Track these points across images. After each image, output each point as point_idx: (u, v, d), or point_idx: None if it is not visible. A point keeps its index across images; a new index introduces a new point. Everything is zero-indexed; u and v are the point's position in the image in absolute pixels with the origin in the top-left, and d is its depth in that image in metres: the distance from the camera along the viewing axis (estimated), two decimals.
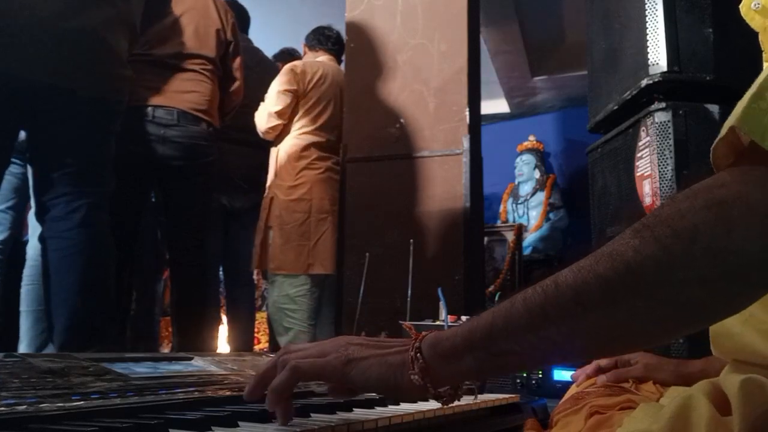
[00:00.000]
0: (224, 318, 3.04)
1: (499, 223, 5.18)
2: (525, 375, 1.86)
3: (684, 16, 1.58)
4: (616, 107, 1.76)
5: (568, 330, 0.48)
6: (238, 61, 2.59)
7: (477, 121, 2.50)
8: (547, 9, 4.31)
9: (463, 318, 1.52)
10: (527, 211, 5.27)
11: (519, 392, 1.69)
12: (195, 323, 2.42)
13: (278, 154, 2.70)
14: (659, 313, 0.46)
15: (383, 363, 0.58)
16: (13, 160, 1.99)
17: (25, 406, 0.57)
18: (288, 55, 3.27)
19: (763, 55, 0.66)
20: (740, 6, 0.67)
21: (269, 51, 3.28)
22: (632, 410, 0.61)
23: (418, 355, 0.56)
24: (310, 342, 0.71)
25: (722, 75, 1.55)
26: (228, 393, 0.77)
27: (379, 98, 2.50)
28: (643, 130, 1.61)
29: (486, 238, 4.28)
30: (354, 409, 0.74)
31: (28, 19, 1.67)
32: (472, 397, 0.94)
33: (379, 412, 0.74)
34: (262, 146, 2.82)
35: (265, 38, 3.32)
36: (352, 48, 2.61)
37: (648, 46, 1.58)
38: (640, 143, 1.62)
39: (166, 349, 3.01)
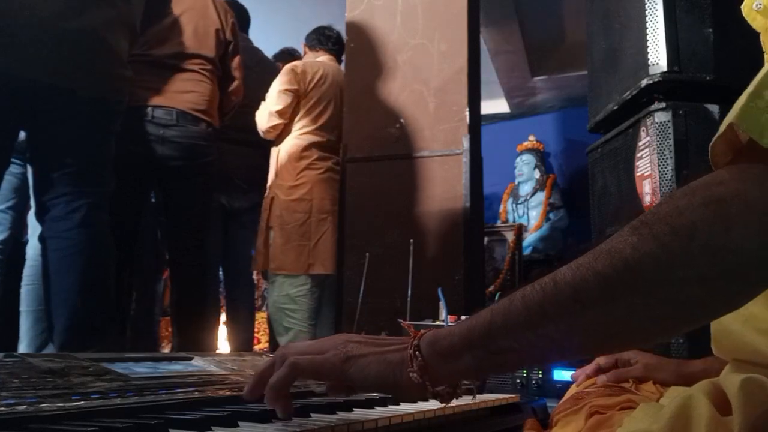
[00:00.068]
0: (224, 318, 3.04)
1: (499, 223, 5.18)
2: (525, 375, 1.86)
3: (684, 16, 1.58)
4: (616, 107, 1.76)
5: (566, 327, 0.48)
6: (236, 60, 2.59)
7: (477, 121, 2.50)
8: (547, 9, 4.31)
9: (463, 318, 1.52)
10: (527, 211, 5.27)
11: (519, 392, 1.69)
12: (195, 323, 2.42)
13: (279, 154, 2.70)
14: (657, 311, 0.46)
15: (382, 361, 0.58)
16: (13, 160, 1.99)
17: (25, 406, 0.57)
18: (288, 54, 3.27)
19: (765, 55, 0.66)
20: (742, 6, 0.67)
21: (269, 51, 3.28)
22: (632, 410, 0.61)
23: (417, 353, 0.56)
24: None
25: (722, 75, 1.55)
26: (228, 393, 0.77)
27: (379, 98, 2.50)
28: (643, 130, 1.61)
29: (486, 238, 4.28)
30: (354, 409, 0.74)
31: (28, 19, 1.67)
32: (471, 396, 0.94)
33: (379, 412, 0.74)
34: (262, 146, 2.82)
35: (265, 38, 3.32)
36: (352, 48, 2.61)
37: (648, 46, 1.58)
38: (640, 143, 1.62)
39: (166, 349, 3.01)
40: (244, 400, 0.64)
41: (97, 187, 1.83)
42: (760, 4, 0.65)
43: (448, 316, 1.62)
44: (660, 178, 1.53)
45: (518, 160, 5.49)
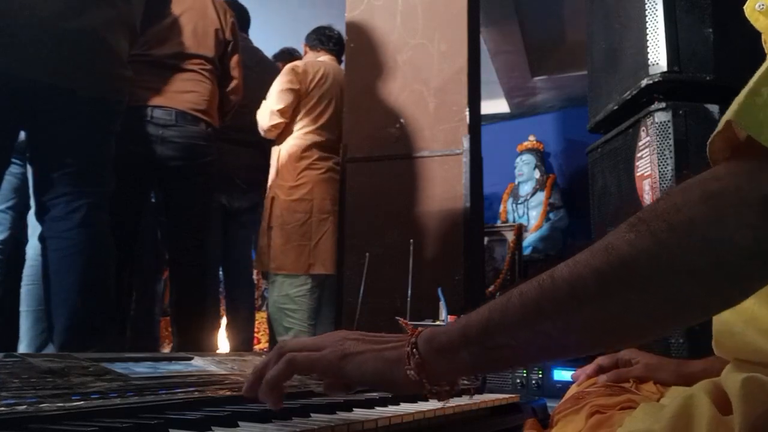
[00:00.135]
0: (224, 318, 3.04)
1: (499, 223, 5.18)
2: (525, 375, 1.86)
3: (684, 16, 1.58)
4: (616, 107, 1.76)
5: (563, 324, 0.48)
6: (235, 59, 2.58)
7: (477, 121, 2.50)
8: (547, 9, 4.31)
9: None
10: (527, 211, 5.27)
11: (519, 392, 1.69)
12: (195, 323, 2.42)
13: (280, 154, 2.70)
14: (653, 307, 0.46)
15: (379, 358, 0.58)
16: (13, 160, 1.98)
17: (25, 406, 0.57)
18: (288, 54, 3.27)
19: None
20: (744, 7, 0.67)
21: (269, 51, 3.28)
22: (633, 410, 0.61)
23: (414, 350, 0.56)
24: None
25: (722, 75, 1.55)
26: (228, 393, 0.77)
27: (379, 98, 2.50)
28: (643, 130, 1.61)
29: (486, 238, 4.28)
30: (354, 409, 0.74)
31: (28, 19, 1.67)
32: (467, 396, 0.94)
33: (379, 412, 0.74)
34: (262, 146, 2.82)
35: (264, 38, 3.32)
36: (352, 48, 2.61)
37: (648, 46, 1.58)
38: (640, 143, 1.62)
39: (166, 349, 3.01)
40: (244, 398, 0.64)
41: (97, 187, 1.83)
42: (762, 5, 0.65)
43: (448, 316, 1.62)
44: (660, 178, 1.53)
45: (518, 160, 5.49)
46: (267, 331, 3.15)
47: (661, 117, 1.55)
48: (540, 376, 1.84)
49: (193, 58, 2.41)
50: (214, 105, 2.47)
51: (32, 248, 1.91)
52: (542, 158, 5.48)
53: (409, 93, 2.47)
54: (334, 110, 2.72)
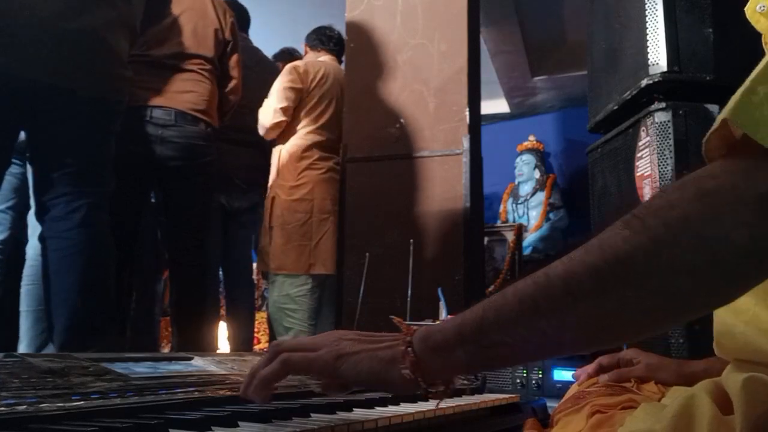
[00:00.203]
0: (224, 318, 3.04)
1: (499, 223, 5.18)
2: (525, 375, 1.86)
3: (684, 16, 1.58)
4: (616, 107, 1.76)
5: (558, 322, 0.48)
6: (234, 59, 2.58)
7: (477, 121, 2.50)
8: (547, 9, 4.31)
9: None
10: (527, 211, 5.27)
11: (519, 392, 1.69)
12: (195, 323, 2.42)
13: (280, 154, 2.70)
14: (649, 303, 0.46)
15: (374, 357, 0.58)
16: (13, 160, 1.98)
17: (25, 406, 0.57)
18: (288, 54, 3.26)
19: None
20: (745, 8, 0.67)
21: (269, 51, 3.28)
22: (634, 410, 0.61)
23: (409, 349, 0.56)
24: None
25: (722, 75, 1.55)
26: (228, 393, 0.77)
27: (379, 98, 2.50)
28: (643, 130, 1.61)
29: (486, 238, 4.28)
30: (354, 409, 0.74)
31: (28, 19, 1.67)
32: (461, 398, 0.94)
33: (379, 412, 0.74)
34: (261, 146, 2.82)
35: (264, 38, 3.32)
36: (352, 48, 2.61)
37: (648, 46, 1.58)
38: (640, 143, 1.62)
39: (166, 349, 3.01)
40: (240, 398, 0.64)
41: (97, 187, 1.83)
42: (763, 6, 0.65)
43: (448, 316, 1.62)
44: (660, 178, 1.52)
45: (518, 160, 5.49)
46: (267, 331, 3.15)
47: (661, 117, 1.55)
48: (540, 376, 1.84)
49: (192, 58, 2.41)
50: (214, 105, 2.47)
51: (32, 248, 1.91)
52: (542, 158, 5.48)
53: (409, 93, 2.47)
54: (335, 110, 2.72)
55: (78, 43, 1.75)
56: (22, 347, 1.92)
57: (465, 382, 1.11)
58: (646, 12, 1.59)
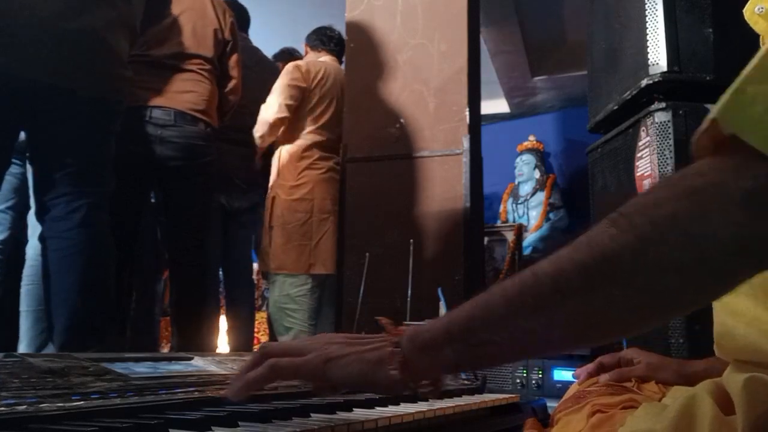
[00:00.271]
0: (224, 318, 3.04)
1: (499, 223, 5.18)
2: (525, 375, 1.86)
3: (684, 16, 1.58)
4: (616, 107, 1.76)
5: (546, 320, 0.48)
6: (234, 58, 2.58)
7: (477, 121, 2.50)
8: (547, 9, 4.31)
9: None
10: (527, 211, 5.27)
11: (519, 392, 1.69)
12: (195, 323, 2.42)
13: (280, 154, 2.70)
14: (636, 301, 0.46)
15: (362, 359, 0.58)
16: (13, 160, 1.98)
17: (25, 406, 0.57)
18: (288, 54, 3.26)
19: None
20: (744, 10, 0.67)
21: (269, 51, 3.28)
22: (634, 409, 0.61)
23: (398, 349, 0.56)
24: None
25: (722, 75, 1.55)
26: None
27: (379, 98, 2.50)
28: (643, 130, 1.61)
29: (486, 238, 4.28)
30: (354, 409, 0.74)
31: (28, 19, 1.67)
32: (461, 398, 0.94)
33: (379, 412, 0.74)
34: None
35: (264, 38, 3.32)
36: (352, 48, 2.61)
37: (648, 46, 1.58)
38: (640, 143, 1.62)
39: (166, 349, 3.01)
40: (230, 400, 0.64)
41: (97, 187, 1.83)
42: (762, 8, 0.66)
43: None
44: (660, 178, 1.52)
45: (518, 160, 5.49)
46: (267, 331, 3.15)
47: (661, 117, 1.55)
48: (540, 376, 1.84)
49: (192, 58, 2.40)
50: (214, 105, 2.47)
51: (32, 248, 1.91)
52: (542, 158, 5.47)
53: (409, 93, 2.47)
54: (335, 110, 2.72)
55: (78, 43, 1.75)
56: (22, 347, 1.92)
57: (465, 382, 1.11)
58: (646, 12, 1.59)
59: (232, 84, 2.58)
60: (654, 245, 0.44)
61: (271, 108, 2.64)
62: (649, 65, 1.58)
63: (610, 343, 1.37)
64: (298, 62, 2.77)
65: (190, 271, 2.42)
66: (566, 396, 0.86)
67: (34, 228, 1.89)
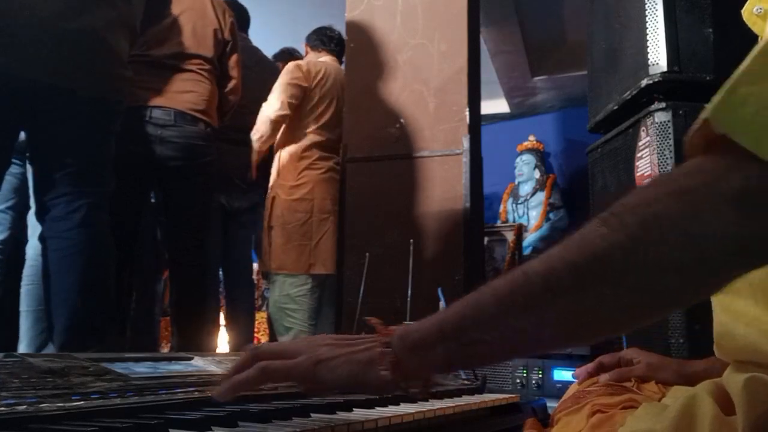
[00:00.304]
0: (224, 318, 3.04)
1: (499, 223, 5.18)
2: (525, 375, 1.86)
3: (684, 16, 1.58)
4: (616, 107, 1.76)
5: (536, 319, 0.49)
6: (234, 58, 2.58)
7: (477, 121, 2.50)
8: (547, 9, 4.31)
9: None
10: (527, 211, 5.26)
11: (519, 392, 1.69)
12: (195, 323, 2.42)
13: (281, 154, 2.70)
14: (626, 300, 0.46)
15: (352, 361, 0.58)
16: (13, 160, 1.98)
17: (25, 406, 0.57)
18: (288, 54, 3.26)
19: None
20: (742, 11, 0.67)
21: (269, 51, 3.28)
22: (634, 409, 0.61)
23: (388, 349, 0.56)
24: None
25: (722, 75, 1.54)
26: None
27: (379, 98, 2.50)
28: (643, 130, 1.61)
29: (486, 238, 4.28)
30: (354, 409, 0.74)
31: (28, 19, 1.67)
32: (461, 398, 0.94)
33: (379, 412, 0.74)
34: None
35: (264, 38, 3.32)
36: (352, 48, 2.61)
37: (648, 46, 1.58)
38: (640, 143, 1.62)
39: (166, 349, 3.01)
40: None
41: (97, 187, 1.83)
42: (760, 9, 0.66)
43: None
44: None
45: (518, 160, 5.49)
46: (267, 331, 3.15)
47: (661, 117, 1.55)
48: (540, 376, 1.84)
49: (192, 58, 2.41)
50: (213, 105, 2.47)
51: (32, 248, 1.91)
52: (542, 158, 5.47)
53: (409, 93, 2.47)
54: (335, 110, 2.72)
55: (78, 43, 1.75)
56: (22, 347, 1.92)
57: (465, 382, 1.11)
58: (646, 12, 1.59)
59: (232, 84, 2.58)
60: (643, 244, 0.44)
61: (273, 105, 2.63)
62: (649, 65, 1.58)
63: (609, 343, 1.37)
64: (299, 62, 2.77)
65: (190, 271, 2.42)
66: (566, 396, 0.86)
67: (34, 228, 1.89)
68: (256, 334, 3.44)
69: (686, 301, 0.48)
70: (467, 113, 2.37)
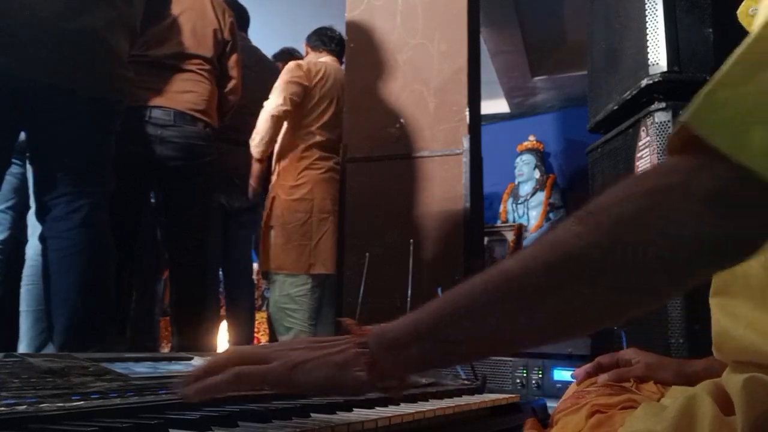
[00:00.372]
0: (224, 318, 3.04)
1: (499, 223, 5.18)
2: (525, 375, 1.86)
3: (684, 16, 1.58)
4: (616, 107, 1.76)
5: (512, 318, 0.49)
6: (233, 58, 2.58)
7: (477, 121, 2.50)
8: (547, 9, 4.31)
9: None
10: (527, 211, 5.26)
11: (519, 392, 1.69)
12: (195, 323, 2.42)
13: (280, 154, 2.70)
14: (603, 299, 0.46)
15: (328, 363, 0.57)
16: (13, 160, 1.98)
17: (25, 406, 0.57)
18: (288, 54, 3.26)
19: None
20: (738, 11, 0.67)
21: (269, 51, 3.28)
22: (634, 410, 0.61)
23: (364, 350, 0.55)
24: None
25: None
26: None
27: (379, 98, 2.50)
28: (643, 130, 1.61)
29: (486, 238, 4.28)
30: (354, 409, 0.74)
31: (28, 19, 1.67)
32: (461, 398, 0.94)
33: (379, 412, 0.74)
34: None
35: (264, 38, 3.32)
36: (352, 48, 2.61)
37: (648, 46, 1.58)
38: (640, 143, 1.62)
39: (166, 349, 3.01)
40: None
41: (98, 187, 1.83)
42: (755, 9, 0.66)
43: None
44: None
45: (518, 160, 5.49)
46: (267, 331, 3.15)
47: (661, 117, 1.55)
48: (540, 376, 1.84)
49: (191, 58, 2.41)
50: (213, 105, 2.47)
51: (32, 248, 1.91)
52: (542, 158, 5.47)
53: (409, 93, 2.47)
54: (335, 110, 2.72)
55: (78, 43, 1.75)
56: (22, 347, 1.92)
57: (465, 382, 1.11)
58: (646, 12, 1.59)
59: (231, 84, 2.58)
60: (619, 243, 0.44)
61: (274, 102, 2.63)
62: (649, 65, 1.58)
63: (609, 343, 1.37)
64: (299, 61, 2.77)
65: (190, 271, 2.42)
66: (565, 396, 0.86)
67: (34, 228, 1.89)
68: (256, 334, 3.44)
69: (664, 297, 0.49)
70: (467, 113, 2.37)
